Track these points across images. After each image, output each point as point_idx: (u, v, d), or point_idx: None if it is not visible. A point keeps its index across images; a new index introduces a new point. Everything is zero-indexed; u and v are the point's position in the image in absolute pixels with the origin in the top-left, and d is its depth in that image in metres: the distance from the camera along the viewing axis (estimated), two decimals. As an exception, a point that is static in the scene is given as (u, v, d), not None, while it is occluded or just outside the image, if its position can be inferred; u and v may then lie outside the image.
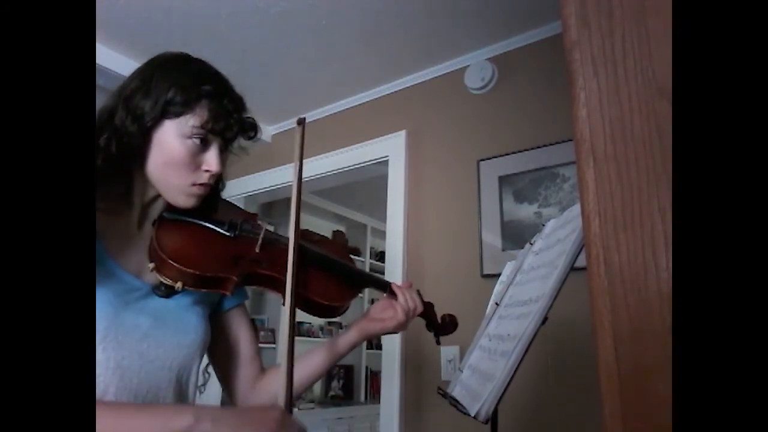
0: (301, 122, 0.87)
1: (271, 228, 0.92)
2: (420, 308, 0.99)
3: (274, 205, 3.44)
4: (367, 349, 4.79)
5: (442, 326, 1.06)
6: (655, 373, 0.35)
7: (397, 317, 0.95)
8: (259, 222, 0.91)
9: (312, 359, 0.96)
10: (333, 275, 0.93)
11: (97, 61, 2.04)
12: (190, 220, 0.83)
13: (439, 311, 1.08)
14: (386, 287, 1.00)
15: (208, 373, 0.87)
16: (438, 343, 1.06)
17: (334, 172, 2.48)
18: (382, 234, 4.55)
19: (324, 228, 4.66)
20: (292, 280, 0.76)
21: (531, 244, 1.09)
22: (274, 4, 1.86)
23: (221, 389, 0.94)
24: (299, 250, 0.81)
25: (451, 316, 1.06)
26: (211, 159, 0.79)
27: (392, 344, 1.99)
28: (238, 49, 2.10)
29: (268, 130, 2.82)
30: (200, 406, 0.71)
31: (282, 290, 0.79)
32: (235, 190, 2.71)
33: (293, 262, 0.78)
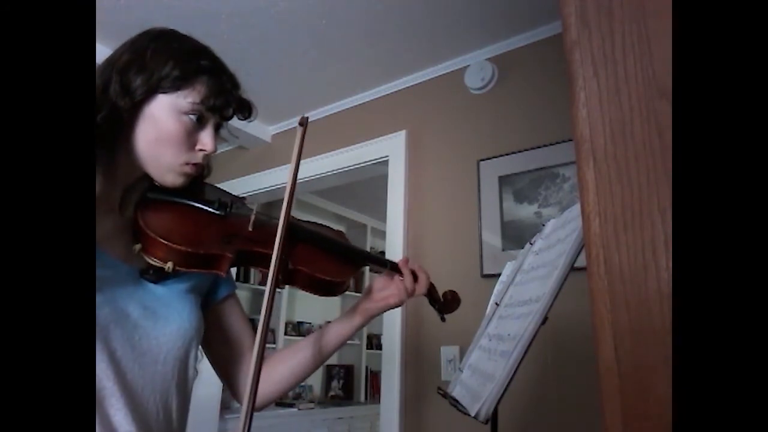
0: (303, 123, 0.79)
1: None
2: (427, 283, 0.95)
3: (274, 205, 3.43)
4: (367, 349, 4.79)
5: (445, 303, 1.04)
6: (655, 373, 0.35)
7: (400, 295, 0.90)
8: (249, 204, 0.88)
9: (294, 357, 0.91)
10: (329, 251, 0.90)
11: (97, 61, 2.04)
12: (176, 199, 0.79)
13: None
14: (386, 265, 0.96)
15: (196, 370, 0.82)
16: (443, 320, 1.04)
17: (334, 172, 2.47)
18: (382, 234, 4.55)
19: (324, 228, 4.64)
20: (278, 256, 0.69)
21: (531, 244, 1.10)
22: (274, 4, 1.86)
23: (220, 389, 0.90)
24: (291, 226, 0.76)
25: (453, 292, 1.04)
26: (207, 138, 0.75)
27: (392, 344, 1.99)
28: (238, 49, 2.10)
29: (268, 130, 2.82)
30: None
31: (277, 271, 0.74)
32: (235, 190, 2.70)
33: (283, 227, 0.71)
